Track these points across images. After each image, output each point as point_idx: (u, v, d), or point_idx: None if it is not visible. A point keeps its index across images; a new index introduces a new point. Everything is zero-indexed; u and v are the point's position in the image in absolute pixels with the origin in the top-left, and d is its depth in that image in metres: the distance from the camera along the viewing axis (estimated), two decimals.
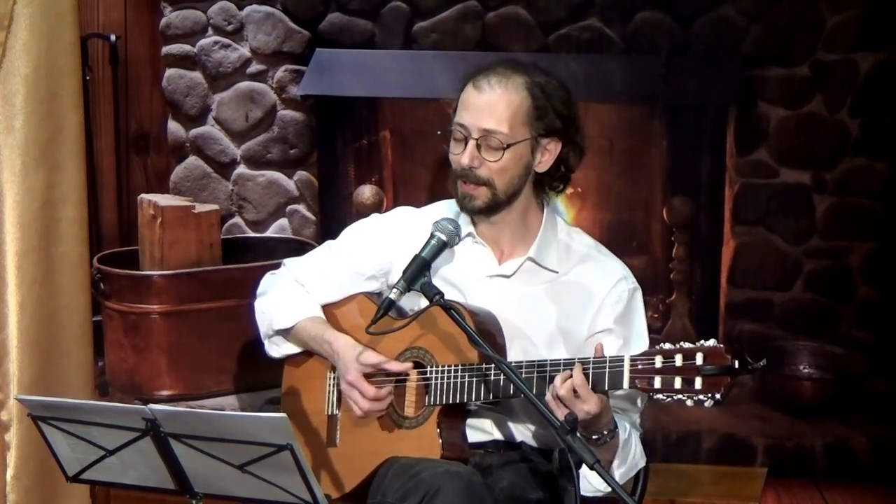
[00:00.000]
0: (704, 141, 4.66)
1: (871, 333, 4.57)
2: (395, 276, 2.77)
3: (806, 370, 4.52)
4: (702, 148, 4.67)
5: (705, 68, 4.50)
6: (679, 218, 4.71)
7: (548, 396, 2.44)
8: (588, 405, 2.41)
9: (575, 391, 2.41)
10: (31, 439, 3.15)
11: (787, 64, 4.49)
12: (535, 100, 2.65)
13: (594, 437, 2.49)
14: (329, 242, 2.94)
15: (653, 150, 4.87)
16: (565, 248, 2.76)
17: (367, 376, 2.69)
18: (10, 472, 3.28)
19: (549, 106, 2.66)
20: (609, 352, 2.53)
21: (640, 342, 2.68)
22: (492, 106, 2.62)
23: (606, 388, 2.44)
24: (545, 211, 2.77)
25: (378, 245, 2.84)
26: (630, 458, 2.62)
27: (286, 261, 2.96)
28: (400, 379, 2.70)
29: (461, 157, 2.64)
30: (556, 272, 2.73)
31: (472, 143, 2.63)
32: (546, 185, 2.74)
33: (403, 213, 2.91)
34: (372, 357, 2.68)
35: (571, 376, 2.42)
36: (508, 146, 2.63)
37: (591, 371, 2.44)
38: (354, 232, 2.91)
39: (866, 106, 4.48)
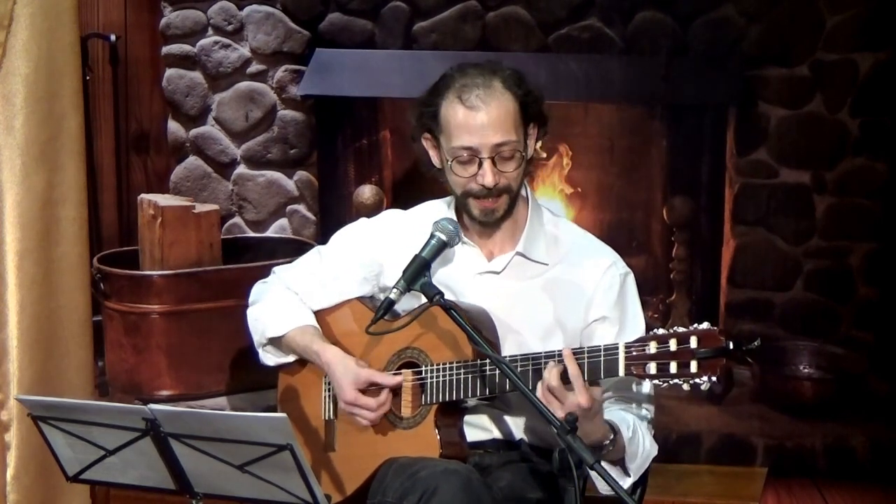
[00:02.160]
0: (704, 141, 4.66)
1: (870, 333, 4.56)
2: (386, 279, 2.79)
3: (806, 370, 4.52)
4: (702, 148, 4.67)
5: (705, 68, 4.50)
6: (679, 218, 4.71)
7: (539, 392, 2.43)
8: (581, 398, 2.39)
9: (567, 383, 2.40)
10: (31, 439, 3.15)
11: (787, 64, 4.49)
12: (517, 96, 2.65)
13: (598, 449, 2.47)
14: (319, 248, 2.94)
15: (653, 150, 4.87)
16: (553, 240, 2.76)
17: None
18: (10, 472, 3.28)
19: (527, 96, 2.67)
20: (606, 339, 2.54)
21: (636, 325, 2.68)
22: (493, 121, 2.61)
23: (602, 376, 2.44)
24: (530, 203, 2.78)
25: (368, 249, 2.84)
26: (640, 452, 2.60)
27: (276, 268, 2.96)
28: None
29: (482, 178, 2.62)
30: (546, 264, 2.73)
31: (487, 162, 2.62)
32: (526, 169, 2.75)
33: (391, 215, 2.91)
34: (365, 374, 2.68)
35: (563, 368, 2.41)
36: (522, 151, 2.64)
37: (585, 361, 2.44)
38: (343, 237, 2.91)
39: (866, 106, 4.48)
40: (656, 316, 4.82)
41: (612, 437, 2.49)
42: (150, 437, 2.38)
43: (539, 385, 2.45)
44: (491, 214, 2.68)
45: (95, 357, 3.55)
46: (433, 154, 2.73)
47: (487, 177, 2.62)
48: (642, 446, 2.61)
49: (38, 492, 3.30)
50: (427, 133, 2.72)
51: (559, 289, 2.71)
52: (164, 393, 4.23)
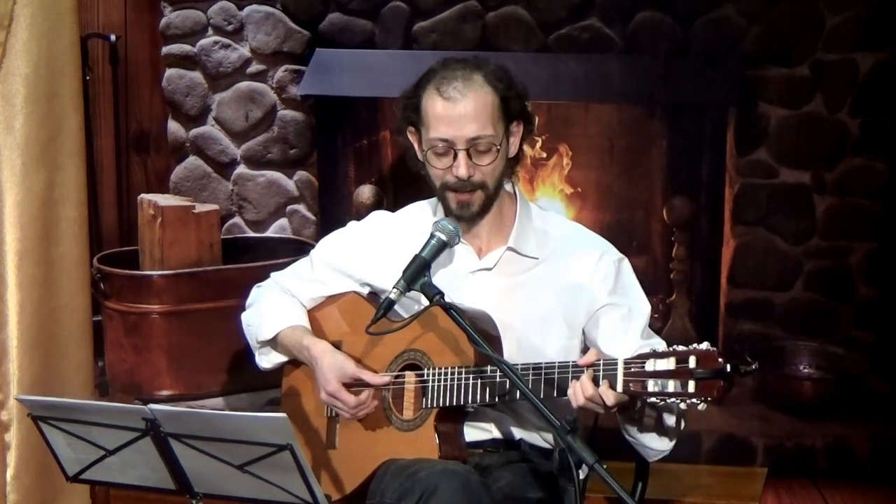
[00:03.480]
0: (704, 141, 4.66)
1: (871, 333, 4.56)
2: (375, 282, 2.80)
3: (806, 370, 4.52)
4: (702, 148, 4.67)
5: (705, 68, 4.50)
6: (679, 218, 4.70)
7: (575, 406, 2.44)
8: (611, 401, 2.40)
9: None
10: (31, 439, 3.15)
11: (787, 64, 4.49)
12: (498, 91, 2.66)
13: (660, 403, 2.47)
14: (311, 253, 2.96)
15: (653, 150, 4.87)
16: (543, 234, 2.77)
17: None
18: (10, 472, 3.28)
19: (509, 92, 2.68)
20: (613, 324, 2.56)
21: (642, 307, 2.72)
22: (469, 113, 2.63)
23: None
24: (518, 199, 2.78)
25: (355, 255, 2.86)
26: (674, 408, 2.56)
27: (273, 274, 2.99)
28: (398, 381, 2.71)
29: (456, 169, 2.64)
30: (537, 258, 2.74)
31: (462, 153, 2.63)
32: (511, 167, 2.75)
33: (379, 217, 2.92)
34: (352, 370, 2.70)
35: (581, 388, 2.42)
36: (499, 145, 2.64)
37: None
38: (333, 241, 2.93)
39: (866, 106, 4.48)
40: (656, 316, 4.81)
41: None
42: (150, 437, 2.38)
43: (573, 401, 2.44)
44: (466, 208, 2.68)
45: (95, 357, 3.55)
46: (417, 148, 2.74)
47: (461, 168, 2.63)
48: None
49: (38, 492, 3.30)
50: (411, 126, 2.73)
51: (553, 282, 2.72)
52: (164, 393, 4.23)
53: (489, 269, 2.75)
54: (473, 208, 2.69)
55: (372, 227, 2.89)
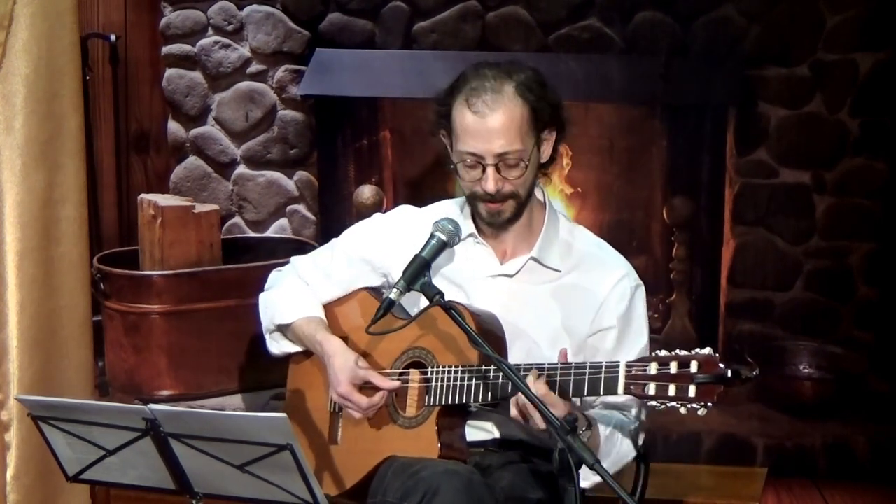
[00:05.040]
0: (704, 141, 4.66)
1: (871, 333, 4.56)
2: (397, 275, 2.78)
3: (806, 370, 4.52)
4: (702, 148, 4.67)
5: (705, 68, 4.50)
6: (679, 218, 4.70)
7: (513, 413, 2.46)
8: (556, 410, 2.39)
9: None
10: (31, 439, 3.15)
11: (787, 64, 4.49)
12: (529, 102, 2.64)
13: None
14: (334, 241, 2.97)
15: (653, 150, 4.87)
16: (567, 247, 2.76)
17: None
18: (10, 472, 3.28)
19: (541, 102, 2.66)
20: (604, 348, 2.57)
21: (639, 339, 2.71)
22: (498, 129, 2.61)
23: (602, 393, 2.46)
24: (547, 209, 2.78)
25: (380, 244, 2.86)
26: (615, 450, 2.62)
27: (293, 258, 3.00)
28: (402, 378, 2.71)
29: (484, 184, 2.63)
30: (559, 271, 2.74)
31: (491, 168, 2.62)
32: (541, 172, 2.75)
33: (405, 212, 2.92)
34: (363, 374, 2.70)
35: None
36: (527, 160, 2.63)
37: (586, 376, 2.46)
38: (357, 231, 2.93)
39: (866, 106, 4.48)
40: (656, 316, 4.82)
41: (588, 425, 2.50)
42: (150, 437, 2.38)
43: (512, 408, 2.46)
44: (497, 216, 2.69)
45: (95, 357, 3.55)
46: (451, 151, 2.74)
47: (489, 183, 2.63)
48: (618, 446, 2.63)
49: (38, 492, 3.30)
50: (443, 130, 2.72)
51: (571, 296, 2.72)
52: (164, 393, 4.23)
53: (510, 276, 2.75)
54: (505, 216, 2.69)
55: (398, 219, 2.90)
